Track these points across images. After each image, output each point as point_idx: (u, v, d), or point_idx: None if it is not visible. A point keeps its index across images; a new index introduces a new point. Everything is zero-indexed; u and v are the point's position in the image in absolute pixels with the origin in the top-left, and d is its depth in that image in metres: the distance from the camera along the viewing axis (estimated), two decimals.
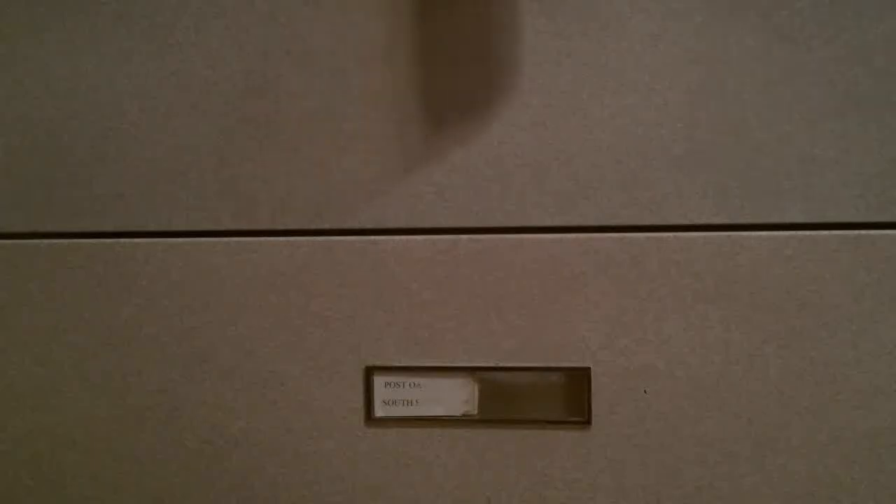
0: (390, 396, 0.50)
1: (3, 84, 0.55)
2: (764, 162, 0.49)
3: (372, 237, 0.51)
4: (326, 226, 0.53)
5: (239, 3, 0.53)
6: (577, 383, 0.49)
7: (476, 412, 0.50)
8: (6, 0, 0.54)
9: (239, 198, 0.53)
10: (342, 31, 0.52)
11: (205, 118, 0.53)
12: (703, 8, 0.49)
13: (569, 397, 0.50)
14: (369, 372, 0.50)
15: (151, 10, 0.53)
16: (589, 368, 0.50)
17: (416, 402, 0.50)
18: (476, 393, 0.50)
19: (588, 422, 0.50)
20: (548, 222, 0.51)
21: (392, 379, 0.50)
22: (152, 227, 0.54)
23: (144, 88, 0.54)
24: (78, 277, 0.54)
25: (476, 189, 0.52)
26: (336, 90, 0.52)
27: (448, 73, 0.51)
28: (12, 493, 0.56)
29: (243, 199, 0.53)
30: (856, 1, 0.48)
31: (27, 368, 0.55)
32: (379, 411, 0.50)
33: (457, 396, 0.50)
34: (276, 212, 0.53)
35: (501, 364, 0.50)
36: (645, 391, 0.51)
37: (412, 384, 0.50)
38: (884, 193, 0.48)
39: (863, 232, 0.48)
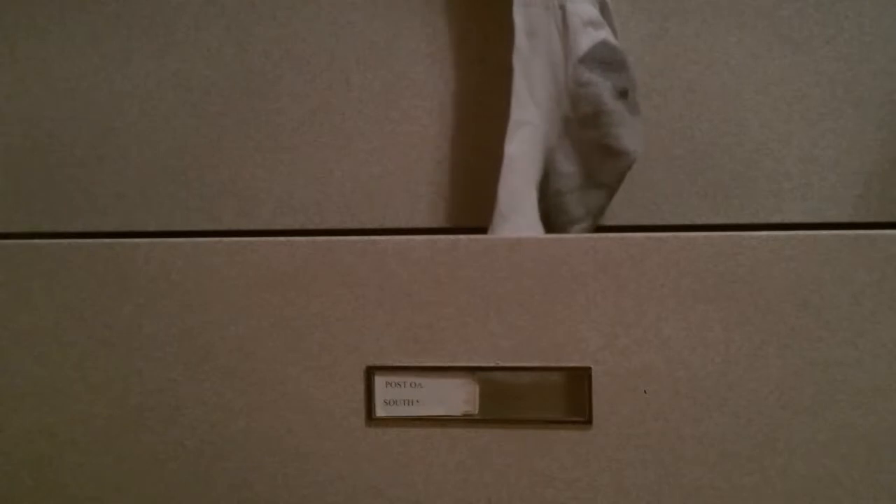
0: (391, 396, 0.50)
1: (3, 84, 0.55)
2: (764, 162, 0.49)
3: (372, 237, 0.51)
4: (326, 226, 0.53)
5: (239, 3, 0.53)
6: (577, 383, 0.49)
7: (477, 412, 0.50)
8: (6, 0, 0.54)
9: (238, 198, 0.53)
10: (342, 31, 0.52)
11: (205, 118, 0.53)
12: (703, 8, 0.49)
13: (569, 397, 0.49)
14: (370, 372, 0.50)
15: (151, 10, 0.53)
16: (590, 368, 0.50)
17: (417, 401, 0.50)
18: (477, 393, 0.50)
19: (589, 421, 0.49)
20: None
21: (393, 379, 0.50)
22: (152, 227, 0.54)
23: (144, 88, 0.54)
24: (78, 277, 0.54)
25: (476, 189, 0.52)
26: (336, 90, 0.52)
27: (448, 73, 0.52)
28: (12, 494, 0.56)
29: (242, 199, 0.53)
30: (856, 1, 0.48)
31: (27, 368, 0.55)
32: (380, 411, 0.50)
33: (457, 396, 0.50)
34: (276, 212, 0.53)
35: (502, 364, 0.50)
36: (645, 391, 0.51)
37: (413, 384, 0.50)
38: (884, 193, 0.49)
39: (862, 232, 0.48)
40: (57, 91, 0.54)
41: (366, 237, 0.51)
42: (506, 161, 0.48)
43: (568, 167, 0.49)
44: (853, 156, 0.49)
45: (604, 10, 0.48)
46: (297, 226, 0.53)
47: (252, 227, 0.53)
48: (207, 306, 0.53)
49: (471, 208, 0.52)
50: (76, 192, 0.55)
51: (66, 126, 0.54)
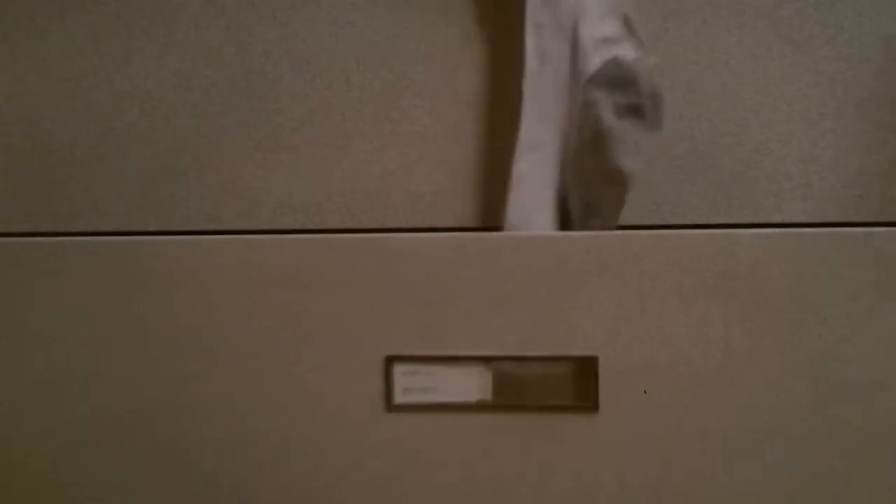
0: (409, 384, 0.52)
1: (3, 84, 0.55)
2: (764, 162, 0.50)
3: (392, 234, 0.52)
4: (326, 226, 0.53)
5: (239, 3, 0.53)
6: (584, 372, 0.51)
7: (490, 399, 0.52)
8: (6, 0, 0.54)
9: (238, 198, 0.53)
10: (342, 31, 0.52)
11: (205, 118, 0.53)
12: (703, 8, 0.49)
13: (577, 385, 0.51)
14: (389, 361, 0.52)
15: (151, 10, 0.53)
16: (596, 357, 0.51)
17: (434, 389, 0.52)
18: (490, 381, 0.52)
19: (595, 408, 0.51)
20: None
21: (411, 368, 0.52)
22: (152, 227, 0.54)
23: (144, 88, 0.54)
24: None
25: (477, 189, 0.52)
26: (336, 90, 0.52)
27: (448, 73, 0.52)
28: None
29: (242, 199, 0.53)
30: (856, 1, 0.48)
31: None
32: (399, 398, 0.52)
33: (472, 384, 0.52)
34: (276, 212, 0.53)
35: (514, 354, 0.51)
36: (645, 391, 0.52)
37: (430, 373, 0.52)
38: (884, 193, 0.49)
39: (858, 230, 0.49)
40: (57, 91, 0.54)
41: (385, 234, 0.52)
42: (514, 183, 0.50)
43: (574, 196, 0.50)
44: (853, 156, 0.49)
45: (626, 21, 0.48)
46: (297, 226, 0.53)
47: (252, 227, 0.53)
48: (235, 302, 0.54)
49: (471, 208, 0.52)
50: (76, 192, 0.54)
51: (66, 126, 0.54)
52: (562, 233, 0.51)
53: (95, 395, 0.56)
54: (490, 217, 0.52)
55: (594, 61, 0.48)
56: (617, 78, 0.47)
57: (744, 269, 0.50)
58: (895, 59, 0.48)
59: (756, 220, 0.50)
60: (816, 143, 0.49)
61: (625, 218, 0.50)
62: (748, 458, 0.50)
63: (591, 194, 0.49)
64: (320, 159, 0.53)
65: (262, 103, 0.53)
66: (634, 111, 0.47)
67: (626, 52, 0.47)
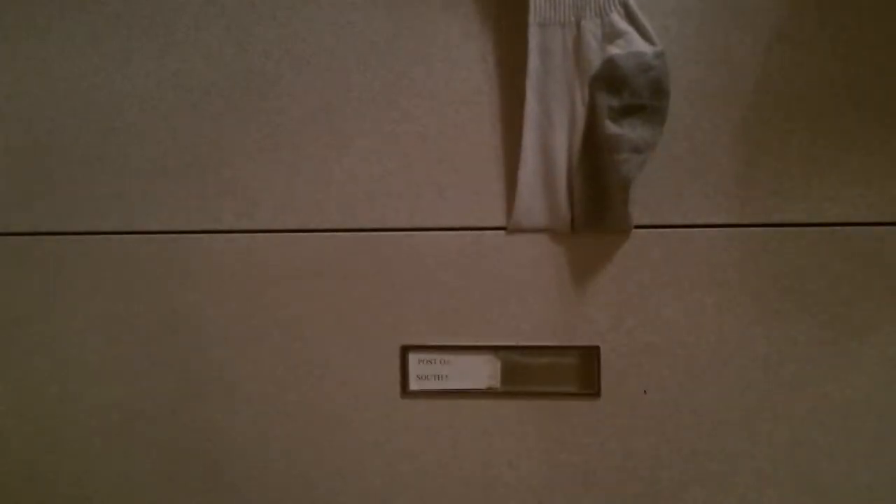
0: (423, 372, 0.54)
1: (3, 84, 0.55)
2: (764, 162, 0.50)
3: (408, 232, 0.53)
4: (326, 226, 0.53)
5: (239, 3, 0.53)
6: (587, 360, 0.53)
7: (499, 386, 0.54)
8: (6, 0, 0.54)
9: (238, 198, 0.53)
10: (342, 31, 0.52)
11: (205, 118, 0.53)
12: (703, 8, 0.49)
13: (581, 372, 0.54)
14: (405, 350, 0.54)
15: (151, 10, 0.53)
16: (598, 347, 0.53)
17: (446, 376, 0.54)
18: (499, 369, 0.54)
19: (597, 394, 0.53)
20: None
21: (425, 356, 0.54)
22: (153, 227, 0.54)
23: (144, 88, 0.54)
24: (147, 269, 0.55)
25: (476, 189, 0.52)
26: (336, 90, 0.52)
27: (448, 72, 0.52)
28: (86, 455, 0.58)
29: (242, 199, 0.53)
30: (856, 1, 0.48)
31: (100, 348, 0.56)
32: (413, 385, 0.55)
33: (482, 372, 0.54)
34: (276, 211, 0.53)
35: (521, 343, 0.54)
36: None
37: (443, 361, 0.54)
38: (883, 193, 0.49)
39: (838, 227, 0.50)
40: (57, 91, 0.54)
41: (402, 232, 0.53)
42: (519, 182, 0.51)
43: (580, 194, 0.50)
44: (853, 156, 0.49)
45: (629, 14, 0.48)
46: (297, 226, 0.53)
47: (252, 227, 0.54)
48: (263, 294, 0.55)
49: (470, 208, 0.52)
50: (76, 192, 0.55)
51: (66, 126, 0.54)
52: (566, 232, 0.51)
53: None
54: (488, 217, 0.52)
55: (594, 61, 0.48)
56: (613, 79, 0.47)
57: (734, 262, 0.51)
58: (895, 58, 0.48)
59: (755, 221, 0.50)
60: (816, 143, 0.49)
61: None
62: (738, 432, 0.52)
63: (596, 193, 0.49)
64: (320, 159, 0.53)
65: (262, 103, 0.53)
66: (632, 112, 0.47)
67: (630, 44, 0.47)
